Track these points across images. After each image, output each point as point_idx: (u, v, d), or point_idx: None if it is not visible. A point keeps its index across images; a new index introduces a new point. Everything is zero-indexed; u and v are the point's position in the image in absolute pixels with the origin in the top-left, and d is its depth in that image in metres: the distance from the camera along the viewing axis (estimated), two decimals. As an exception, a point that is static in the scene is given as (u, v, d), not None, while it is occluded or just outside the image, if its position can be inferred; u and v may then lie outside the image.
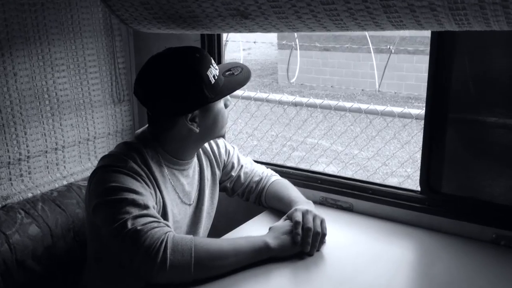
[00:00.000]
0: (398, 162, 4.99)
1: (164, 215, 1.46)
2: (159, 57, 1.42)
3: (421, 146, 1.60)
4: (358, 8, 1.15)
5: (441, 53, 1.51)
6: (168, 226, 1.32)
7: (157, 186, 1.44)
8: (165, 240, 1.25)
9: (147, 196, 1.35)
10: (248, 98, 4.52)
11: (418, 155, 4.89)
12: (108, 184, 1.33)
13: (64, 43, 1.78)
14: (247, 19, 1.37)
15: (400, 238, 1.57)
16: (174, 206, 1.50)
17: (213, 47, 1.92)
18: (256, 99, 4.81)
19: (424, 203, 1.60)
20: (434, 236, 1.55)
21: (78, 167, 1.90)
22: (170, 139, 1.46)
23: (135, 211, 1.29)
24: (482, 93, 1.50)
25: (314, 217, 1.45)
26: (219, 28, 1.48)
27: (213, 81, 1.39)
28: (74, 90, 1.84)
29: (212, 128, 1.49)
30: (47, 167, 1.81)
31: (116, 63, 1.96)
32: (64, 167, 1.87)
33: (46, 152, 1.79)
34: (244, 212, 1.82)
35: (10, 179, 1.69)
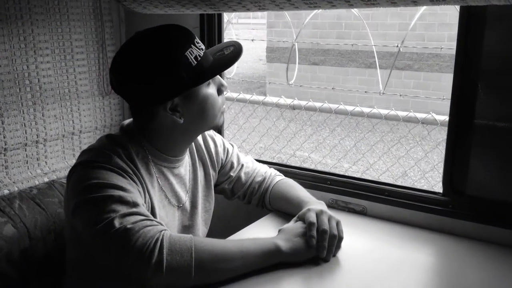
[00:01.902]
0: (391, 177, 4.86)
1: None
2: (130, 40, 1.23)
3: (445, 143, 1.45)
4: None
5: (467, 55, 1.37)
6: (162, 224, 1.14)
7: (145, 185, 1.26)
8: (160, 239, 1.07)
9: (136, 194, 1.17)
10: (243, 100, 4.36)
11: (410, 171, 4.85)
12: (89, 181, 1.14)
13: (49, 24, 1.60)
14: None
15: (422, 244, 1.42)
16: (161, 207, 1.32)
17: (213, 31, 1.76)
18: (252, 102, 4.66)
19: (447, 205, 1.45)
20: (460, 242, 1.40)
21: (61, 163, 1.71)
22: (154, 131, 1.28)
23: (123, 209, 1.11)
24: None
25: (330, 218, 1.29)
26: (225, 5, 1.33)
27: (194, 62, 1.19)
28: (59, 78, 1.66)
29: (200, 118, 1.29)
30: (27, 162, 1.62)
31: (105, 50, 1.78)
32: (46, 162, 1.68)
33: (26, 145, 1.60)
34: (244, 216, 1.65)
35: (-16, 174, 1.50)
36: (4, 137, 1.52)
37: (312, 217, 1.27)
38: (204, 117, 1.29)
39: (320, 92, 9.10)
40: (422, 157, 4.94)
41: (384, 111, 3.49)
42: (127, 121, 1.36)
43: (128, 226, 1.08)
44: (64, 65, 1.68)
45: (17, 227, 1.42)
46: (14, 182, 1.57)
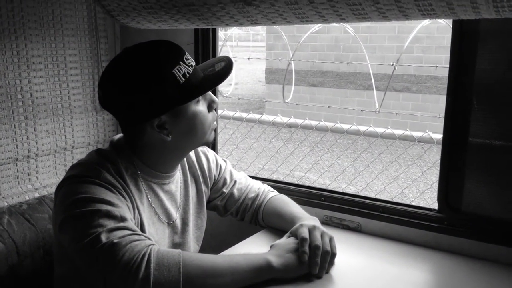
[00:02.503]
0: (389, 197, 4.83)
1: None
2: (119, 56, 1.23)
3: (440, 159, 1.44)
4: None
5: (461, 72, 1.37)
6: (150, 239, 1.11)
7: (134, 201, 1.23)
8: (147, 254, 1.04)
9: (124, 208, 1.15)
10: (239, 119, 4.35)
11: (408, 191, 4.82)
12: (77, 195, 1.12)
13: (43, 39, 1.60)
14: (251, 6, 1.22)
15: (418, 261, 1.39)
16: (150, 224, 1.29)
17: (208, 46, 1.75)
18: (248, 120, 4.65)
19: (442, 222, 1.43)
20: (456, 259, 1.37)
21: (53, 178, 1.69)
22: (143, 148, 1.27)
23: (110, 224, 1.09)
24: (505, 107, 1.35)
25: (322, 234, 1.26)
26: (218, 20, 1.32)
27: (182, 80, 1.18)
28: (52, 92, 1.66)
29: (189, 135, 1.27)
30: (17, 177, 1.60)
31: (100, 66, 1.78)
32: (37, 178, 1.66)
33: (17, 159, 1.58)
34: (238, 233, 1.62)
35: (-27, 188, 1.48)
36: (-6, 152, 1.51)
37: (305, 233, 1.24)
38: (193, 134, 1.27)
39: (319, 113, 9.13)
40: (418, 176, 4.92)
41: (380, 130, 3.48)
42: (117, 136, 1.34)
43: (115, 240, 1.06)
44: (58, 80, 1.67)
45: (5, 242, 1.39)
46: (4, 197, 1.55)
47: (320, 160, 5.83)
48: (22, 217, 1.48)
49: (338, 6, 1.13)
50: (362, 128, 3.43)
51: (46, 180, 1.68)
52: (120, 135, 1.34)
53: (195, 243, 1.48)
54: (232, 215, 1.58)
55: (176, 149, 1.29)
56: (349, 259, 1.35)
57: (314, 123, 3.74)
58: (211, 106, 1.31)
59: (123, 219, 1.12)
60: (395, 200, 4.20)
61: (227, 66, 1.28)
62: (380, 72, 9.09)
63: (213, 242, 1.63)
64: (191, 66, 1.23)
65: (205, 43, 1.75)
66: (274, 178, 1.86)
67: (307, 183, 5.37)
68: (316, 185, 5.32)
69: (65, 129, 1.72)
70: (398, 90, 8.69)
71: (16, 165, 1.59)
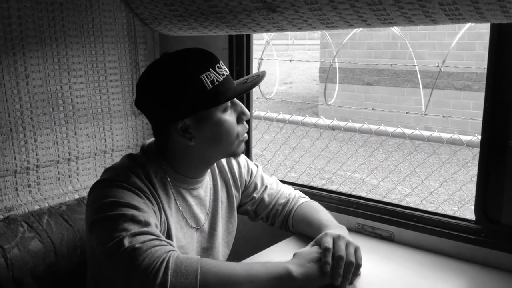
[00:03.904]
0: (443, 198, 4.65)
1: (168, 238, 1.27)
2: (156, 61, 1.27)
3: (477, 169, 1.37)
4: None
5: (500, 72, 1.30)
6: (171, 245, 1.13)
7: (162, 206, 1.26)
8: (166, 259, 1.06)
9: (149, 213, 1.18)
10: (283, 121, 4.34)
11: (469, 189, 4.59)
12: (106, 199, 1.16)
13: (83, 47, 1.66)
14: (275, 12, 1.21)
15: (450, 275, 1.33)
16: (178, 229, 1.32)
17: (242, 51, 1.76)
18: (291, 122, 4.63)
19: (479, 234, 1.36)
20: (492, 274, 1.30)
21: (93, 180, 1.75)
22: (170, 152, 1.29)
23: (134, 228, 1.11)
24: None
25: (347, 244, 1.23)
26: (245, 26, 1.33)
27: (209, 86, 1.19)
28: (92, 98, 1.72)
29: (213, 143, 1.27)
30: (58, 179, 1.67)
31: (138, 72, 1.83)
32: (77, 180, 1.73)
33: (58, 162, 1.65)
34: (270, 237, 1.61)
35: (16, 189, 1.56)
36: (36, 154, 1.58)
37: (328, 242, 1.22)
38: (217, 143, 1.27)
39: (374, 113, 8.95)
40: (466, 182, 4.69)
41: (426, 133, 3.35)
42: (149, 141, 1.38)
43: (137, 245, 1.08)
44: (98, 85, 1.73)
45: (44, 242, 1.46)
46: (45, 198, 1.62)
47: (374, 162, 5.71)
48: (61, 218, 1.55)
49: (362, 12, 1.10)
50: (408, 131, 3.32)
51: (87, 181, 1.75)
52: (151, 140, 1.37)
53: (225, 247, 1.49)
54: (262, 220, 1.58)
55: (200, 156, 1.30)
56: (378, 270, 1.32)
57: (357, 125, 3.65)
58: (241, 118, 1.31)
59: (147, 224, 1.14)
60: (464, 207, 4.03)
61: (259, 78, 1.29)
62: (437, 71, 8.77)
63: (246, 246, 1.63)
64: (223, 75, 1.24)
65: (239, 47, 1.76)
66: (304, 183, 1.84)
67: (364, 187, 5.27)
68: (381, 191, 5.20)
69: (105, 132, 1.78)
70: (458, 89, 8.35)
71: (58, 168, 1.66)
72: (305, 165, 5.67)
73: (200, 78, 1.19)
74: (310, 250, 1.24)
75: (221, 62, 1.26)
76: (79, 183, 1.73)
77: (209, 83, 1.20)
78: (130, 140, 1.86)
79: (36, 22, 1.53)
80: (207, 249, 1.42)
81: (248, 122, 1.83)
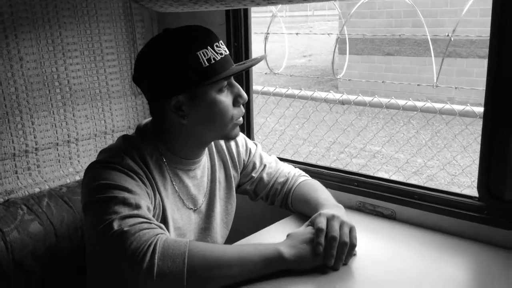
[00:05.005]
0: (470, 173, 4.53)
1: (164, 220, 1.27)
2: (154, 37, 1.25)
3: (480, 140, 1.31)
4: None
5: (504, 41, 1.22)
6: (161, 228, 1.12)
7: (156, 187, 1.25)
8: (153, 243, 1.05)
9: (141, 195, 1.16)
10: (292, 96, 4.28)
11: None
12: (98, 181, 1.16)
13: (77, 27, 1.64)
14: (262, -15, 1.16)
15: (452, 254, 1.29)
16: (174, 210, 1.30)
17: (239, 26, 1.71)
18: (300, 97, 4.57)
19: (482, 211, 1.31)
20: (495, 252, 1.26)
21: (93, 161, 1.76)
22: (165, 132, 1.28)
23: (125, 211, 1.10)
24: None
25: (342, 223, 1.20)
26: (235, 1, 1.28)
27: (205, 64, 1.17)
28: (89, 79, 1.70)
29: (206, 123, 1.24)
30: (59, 161, 1.67)
31: (136, 50, 1.80)
32: (78, 161, 1.73)
33: (57, 144, 1.65)
34: (272, 216, 1.59)
35: (16, 172, 1.57)
36: (34, 137, 1.58)
37: (321, 223, 1.19)
38: (210, 123, 1.25)
39: (394, 84, 8.78)
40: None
41: (438, 105, 3.26)
42: (144, 121, 1.36)
43: (125, 228, 1.07)
44: (94, 66, 1.71)
45: (44, 224, 1.47)
46: (45, 181, 1.62)
47: (396, 133, 5.60)
48: (61, 200, 1.55)
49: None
50: (419, 104, 3.23)
51: (88, 163, 1.72)
52: (147, 120, 1.36)
53: (224, 228, 1.48)
54: (262, 199, 1.56)
55: (194, 136, 1.28)
56: (377, 250, 1.29)
57: (367, 99, 3.57)
58: (237, 101, 1.27)
59: (137, 206, 1.13)
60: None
61: (256, 61, 1.27)
62: (461, 38, 8.52)
63: (249, 224, 1.61)
64: (221, 54, 1.21)
65: (237, 23, 1.71)
66: (304, 161, 1.80)
67: (380, 157, 5.20)
68: (393, 160, 5.12)
69: (104, 113, 1.76)
70: (482, 57, 8.10)
71: (57, 150, 1.66)
72: (327, 141, 5.61)
73: (196, 54, 1.17)
74: (304, 230, 1.21)
75: (221, 41, 1.23)
76: (80, 164, 1.73)
77: (205, 61, 1.17)
78: (130, 120, 1.84)
79: (28, 3, 1.51)
80: (204, 230, 1.41)
81: (249, 101, 1.80)
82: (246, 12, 1.71)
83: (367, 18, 9.08)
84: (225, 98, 1.24)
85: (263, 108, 5.77)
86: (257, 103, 4.79)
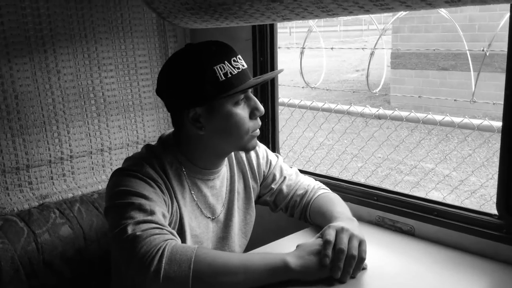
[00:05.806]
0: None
1: (181, 227, 1.32)
2: (176, 52, 1.32)
3: (499, 155, 1.28)
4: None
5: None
6: (173, 234, 1.16)
7: (174, 196, 1.30)
8: (162, 248, 1.09)
9: (157, 202, 1.22)
10: (328, 110, 4.26)
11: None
12: (119, 187, 1.23)
13: (112, 42, 1.74)
14: (275, 2, 1.20)
15: (470, 272, 1.25)
16: (192, 218, 1.35)
17: (265, 41, 1.75)
18: (349, 113, 4.53)
19: (501, 230, 1.27)
20: (513, 273, 1.22)
21: (125, 170, 1.84)
22: (184, 142, 1.34)
23: (139, 217, 1.16)
24: None
25: (351, 236, 1.20)
26: (251, 17, 1.33)
27: (221, 78, 1.22)
28: (123, 91, 1.79)
29: (222, 135, 1.29)
30: (92, 168, 1.76)
31: (169, 64, 1.88)
32: (111, 169, 1.81)
33: (91, 153, 1.75)
34: (292, 227, 1.60)
35: (52, 178, 1.67)
36: (69, 146, 1.68)
37: (330, 235, 1.20)
38: (226, 135, 1.29)
39: (447, 100, 8.53)
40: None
41: (476, 122, 3.15)
42: (167, 132, 1.42)
43: (138, 233, 1.13)
44: (128, 79, 1.80)
45: (73, 228, 1.55)
46: (79, 187, 1.72)
47: (452, 152, 5.42)
48: (92, 205, 1.64)
49: (357, -2, 1.06)
50: (457, 120, 3.14)
51: (120, 171, 1.83)
52: (169, 131, 1.42)
53: (242, 237, 1.51)
54: (282, 211, 1.58)
55: (211, 147, 1.33)
56: (393, 265, 1.27)
57: (404, 114, 3.49)
58: (254, 113, 1.31)
59: (152, 212, 1.18)
60: None
61: (272, 75, 1.33)
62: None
63: (269, 235, 1.63)
64: (238, 68, 1.26)
65: (263, 38, 1.75)
66: (326, 174, 1.80)
67: (431, 175, 5.05)
68: (447, 179, 4.96)
69: (137, 124, 1.85)
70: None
71: (91, 158, 1.75)
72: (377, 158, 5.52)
73: (214, 68, 1.22)
74: (313, 242, 1.22)
75: (239, 56, 1.28)
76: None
77: (221, 75, 1.22)
78: (161, 131, 1.92)
79: (66, 20, 1.62)
80: (222, 239, 1.45)
81: (274, 114, 1.83)
82: (272, 28, 1.75)
83: (421, 32, 8.91)
84: (241, 111, 1.29)
85: (312, 123, 5.79)
86: (306, 117, 4.84)
